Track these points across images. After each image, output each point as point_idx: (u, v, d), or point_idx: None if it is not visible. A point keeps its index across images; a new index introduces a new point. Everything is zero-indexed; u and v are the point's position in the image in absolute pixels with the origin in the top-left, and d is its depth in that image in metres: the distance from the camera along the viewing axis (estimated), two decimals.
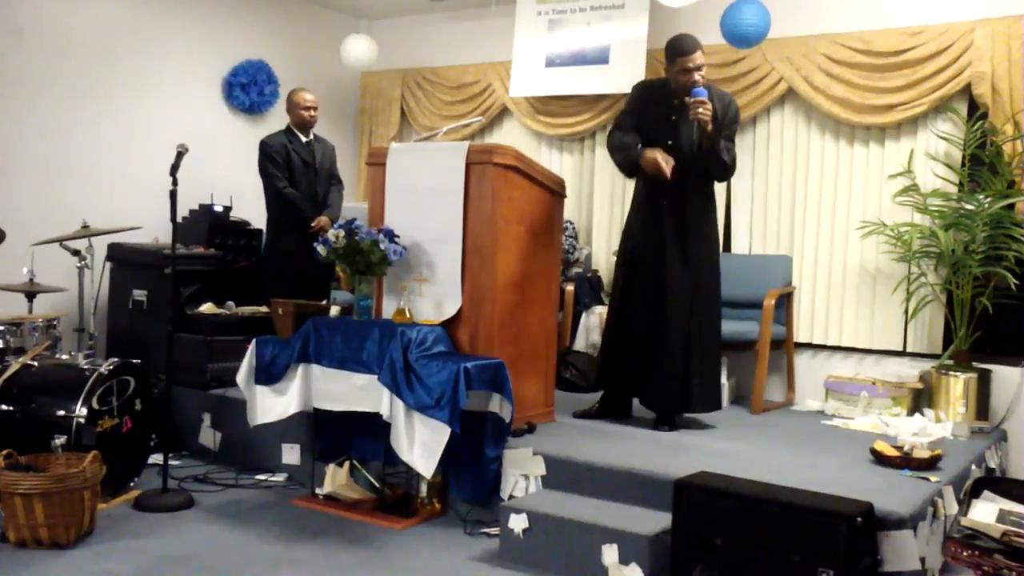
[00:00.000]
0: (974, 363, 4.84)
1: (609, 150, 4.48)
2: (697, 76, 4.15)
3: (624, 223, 4.69)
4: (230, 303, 5.31)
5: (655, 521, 3.33)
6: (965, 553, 3.06)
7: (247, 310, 5.26)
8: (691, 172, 4.29)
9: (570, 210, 4.79)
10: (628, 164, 4.36)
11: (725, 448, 4.06)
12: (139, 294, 5.30)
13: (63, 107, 5.53)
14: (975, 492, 3.47)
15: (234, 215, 6.04)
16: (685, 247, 4.33)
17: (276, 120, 6.42)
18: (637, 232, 4.47)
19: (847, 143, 5.41)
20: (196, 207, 5.94)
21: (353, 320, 4.16)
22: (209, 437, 4.87)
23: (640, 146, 4.29)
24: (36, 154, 5.41)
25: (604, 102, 6.08)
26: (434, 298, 4.18)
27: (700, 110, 4.06)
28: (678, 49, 4.21)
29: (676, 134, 4.29)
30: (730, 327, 5.21)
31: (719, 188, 5.76)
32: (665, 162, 4.18)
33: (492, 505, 3.85)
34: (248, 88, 6.50)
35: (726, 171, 4.37)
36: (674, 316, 4.31)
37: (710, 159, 4.24)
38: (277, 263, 5.66)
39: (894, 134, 5.26)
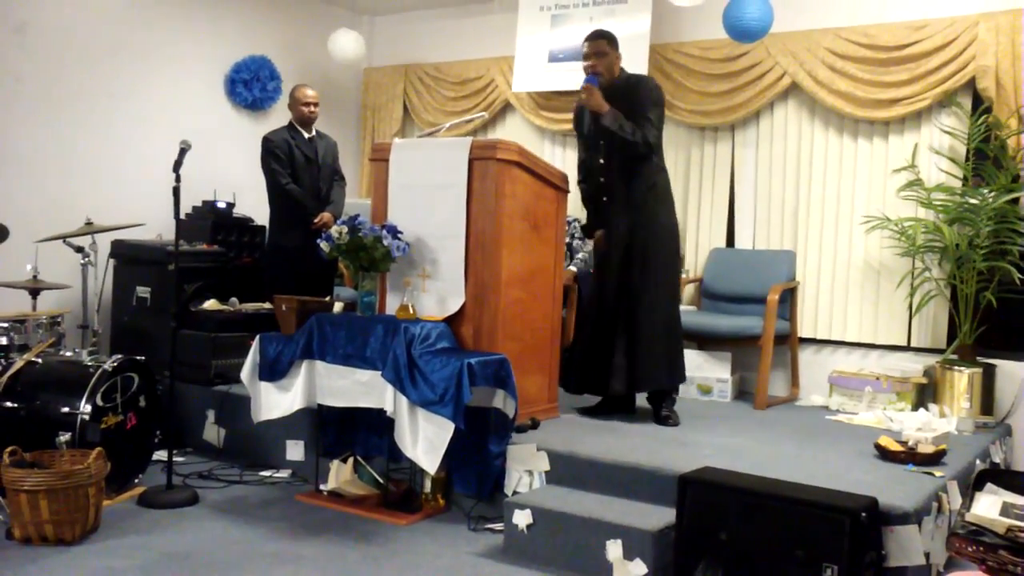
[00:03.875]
0: (978, 358, 4.83)
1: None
2: (585, 64, 4.46)
3: None
4: (233, 300, 5.30)
5: (659, 516, 3.33)
6: (970, 548, 3.06)
7: (250, 307, 5.26)
8: (615, 153, 4.46)
9: (573, 206, 4.80)
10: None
11: (729, 443, 4.06)
12: (143, 291, 5.31)
13: (66, 104, 5.53)
14: (978, 484, 3.46)
15: (237, 212, 6.04)
16: (630, 230, 4.44)
17: (279, 116, 6.42)
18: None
19: (851, 137, 5.40)
20: (199, 204, 5.94)
21: (357, 316, 4.16)
22: (213, 433, 4.88)
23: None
24: (39, 151, 5.42)
25: None
26: (437, 294, 4.19)
27: (583, 96, 4.38)
28: None
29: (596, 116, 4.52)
30: (734, 322, 5.22)
31: (722, 184, 5.81)
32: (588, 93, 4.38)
33: (496, 501, 3.85)
34: (250, 84, 6.49)
35: (628, 146, 4.39)
36: (622, 300, 4.44)
37: (611, 136, 4.38)
38: (280, 259, 5.65)
39: (898, 128, 5.24)
